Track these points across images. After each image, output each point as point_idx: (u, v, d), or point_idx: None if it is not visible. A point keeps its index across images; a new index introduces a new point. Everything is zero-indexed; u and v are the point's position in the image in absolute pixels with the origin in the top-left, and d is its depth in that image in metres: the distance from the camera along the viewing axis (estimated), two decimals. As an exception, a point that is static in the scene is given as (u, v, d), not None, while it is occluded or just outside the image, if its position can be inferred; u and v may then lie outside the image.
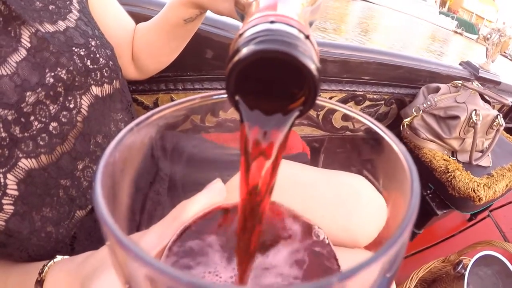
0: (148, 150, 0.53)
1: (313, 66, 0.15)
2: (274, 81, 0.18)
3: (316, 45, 0.17)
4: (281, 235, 0.22)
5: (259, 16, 0.16)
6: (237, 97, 0.17)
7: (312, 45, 0.16)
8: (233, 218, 0.23)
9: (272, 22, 0.15)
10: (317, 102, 0.20)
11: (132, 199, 0.18)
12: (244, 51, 0.15)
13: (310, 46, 0.16)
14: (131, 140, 0.17)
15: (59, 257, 0.32)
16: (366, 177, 0.48)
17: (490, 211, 1.26)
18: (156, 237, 0.17)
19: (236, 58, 0.15)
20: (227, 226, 0.22)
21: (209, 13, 0.48)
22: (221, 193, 0.19)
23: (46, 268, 0.30)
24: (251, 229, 0.19)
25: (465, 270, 0.76)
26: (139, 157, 0.19)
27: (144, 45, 0.52)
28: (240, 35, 0.16)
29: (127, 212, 0.17)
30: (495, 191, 0.88)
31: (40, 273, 0.30)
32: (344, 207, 0.46)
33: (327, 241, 0.22)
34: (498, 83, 1.16)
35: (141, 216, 0.43)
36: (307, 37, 0.16)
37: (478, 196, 0.85)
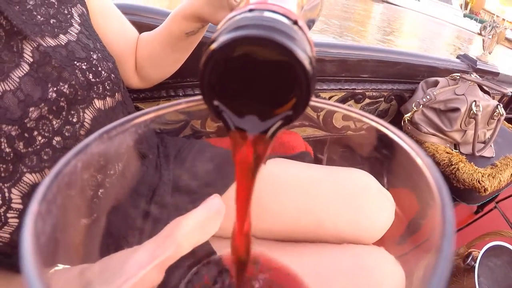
0: (152, 161, 0.53)
1: (303, 55, 0.12)
2: (258, 80, 0.15)
3: (309, 34, 0.14)
4: None
5: (238, 9, 0.14)
6: (215, 102, 0.15)
7: (303, 33, 0.13)
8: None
9: (251, 10, 0.13)
10: (315, 104, 0.17)
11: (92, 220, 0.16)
12: (215, 43, 0.13)
13: (300, 33, 0.13)
14: (101, 150, 0.15)
15: (60, 266, 0.32)
16: (371, 175, 0.48)
17: (497, 202, 1.25)
18: (147, 254, 0.16)
19: (208, 51, 0.13)
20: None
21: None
22: (219, 210, 0.18)
23: None
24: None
25: (475, 262, 0.76)
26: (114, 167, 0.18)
27: (147, 55, 0.52)
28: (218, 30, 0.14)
29: (84, 238, 0.15)
30: (500, 180, 0.88)
31: None
32: (351, 202, 0.46)
33: None
34: (497, 74, 1.16)
35: (145, 222, 0.42)
36: (295, 22, 0.13)
37: (483, 186, 0.85)
